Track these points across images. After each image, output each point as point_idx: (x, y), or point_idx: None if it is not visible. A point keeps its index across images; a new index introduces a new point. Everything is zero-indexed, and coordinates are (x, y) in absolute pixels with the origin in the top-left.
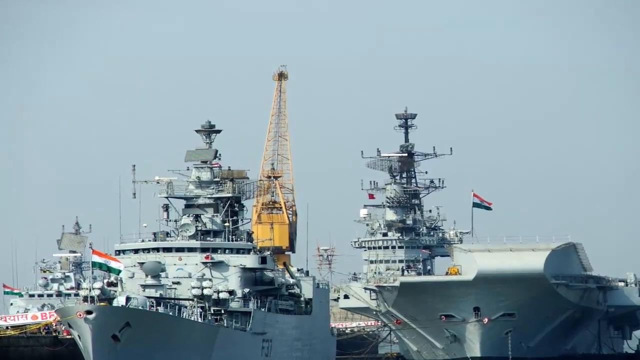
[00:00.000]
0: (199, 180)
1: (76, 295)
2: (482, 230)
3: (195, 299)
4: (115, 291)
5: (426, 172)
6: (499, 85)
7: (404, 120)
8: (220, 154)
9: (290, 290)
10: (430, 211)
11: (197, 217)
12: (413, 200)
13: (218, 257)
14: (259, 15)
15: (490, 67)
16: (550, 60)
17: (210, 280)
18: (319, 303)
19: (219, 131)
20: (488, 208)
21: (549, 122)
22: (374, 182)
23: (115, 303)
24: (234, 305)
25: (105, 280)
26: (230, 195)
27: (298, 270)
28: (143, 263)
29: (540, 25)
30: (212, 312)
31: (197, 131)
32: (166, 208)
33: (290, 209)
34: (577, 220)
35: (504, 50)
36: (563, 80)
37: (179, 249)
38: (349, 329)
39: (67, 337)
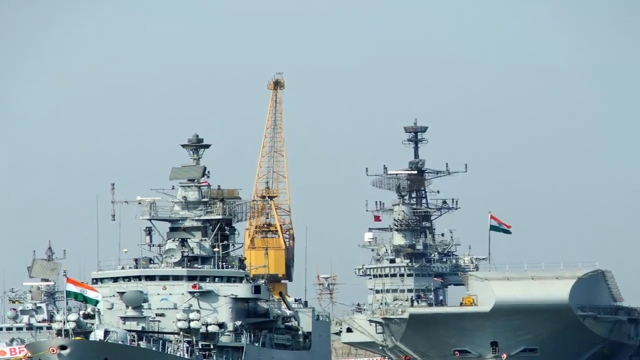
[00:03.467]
0: (185, 201)
1: (49, 328)
2: (501, 256)
3: (181, 333)
4: (92, 324)
5: (438, 192)
6: (519, 96)
7: (413, 134)
8: (209, 172)
9: (286, 323)
10: (442, 235)
11: (183, 242)
12: (423, 223)
13: (207, 286)
14: (251, 17)
15: (509, 76)
16: (576, 68)
17: (198, 311)
18: (318, 337)
19: (207, 146)
20: (507, 231)
21: (573, 137)
22: (380, 202)
23: (92, 337)
24: (225, 339)
25: (81, 312)
26: (220, 217)
27: (295, 300)
28: (123, 293)
29: (565, 29)
30: (200, 347)
31: (183, 146)
32: (149, 231)
33: (287, 233)
34: (606, 245)
35: (524, 56)
36: (590, 90)
37: (163, 277)
38: None
39: None
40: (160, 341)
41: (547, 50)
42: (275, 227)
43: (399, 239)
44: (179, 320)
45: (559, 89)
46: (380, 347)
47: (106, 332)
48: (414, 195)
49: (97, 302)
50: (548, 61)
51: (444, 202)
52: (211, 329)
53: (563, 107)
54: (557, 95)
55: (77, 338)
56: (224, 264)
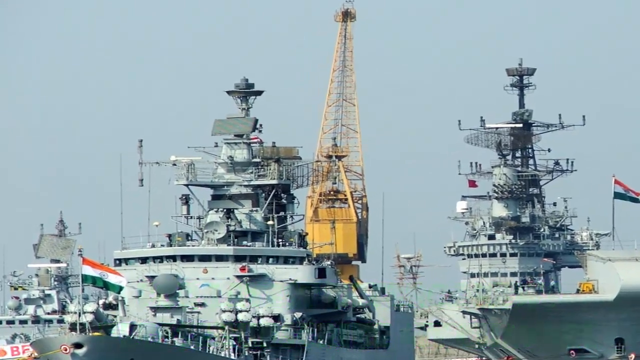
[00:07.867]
0: (231, 162)
1: (60, 321)
2: (627, 232)
3: (226, 327)
4: (115, 316)
5: (549, 150)
6: None
7: (517, 78)
8: (261, 125)
9: (359, 315)
10: (554, 204)
11: (229, 213)
12: (530, 189)
13: (258, 268)
14: None
15: (637, 9)
16: None
17: (247, 300)
18: (398, 333)
19: (259, 93)
20: (635, 200)
21: None
22: (477, 164)
23: (114, 333)
24: (281, 335)
25: (101, 301)
26: (275, 182)
27: (370, 287)
28: (154, 277)
29: None
30: (251, 345)
31: (229, 93)
32: (186, 200)
33: (359, 202)
34: None
35: None
36: None
37: (204, 258)
38: None
39: None
40: (200, 338)
41: None
42: (345, 195)
43: (499, 210)
44: (224, 311)
45: None
46: (477, 346)
47: (132, 327)
48: (518, 154)
49: (120, 288)
50: None
51: (557, 163)
52: (264, 322)
53: None
54: None
55: (96, 334)
56: (280, 240)
